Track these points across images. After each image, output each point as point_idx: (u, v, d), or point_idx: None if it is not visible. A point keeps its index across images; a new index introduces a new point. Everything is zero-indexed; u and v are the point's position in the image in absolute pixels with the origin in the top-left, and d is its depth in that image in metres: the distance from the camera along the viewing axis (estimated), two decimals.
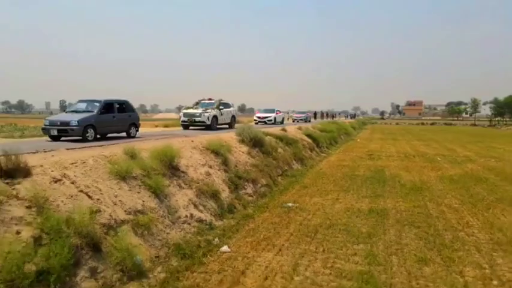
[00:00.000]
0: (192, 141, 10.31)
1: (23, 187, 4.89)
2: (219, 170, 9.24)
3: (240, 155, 11.10)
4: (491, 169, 15.14)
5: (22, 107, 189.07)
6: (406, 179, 12.74)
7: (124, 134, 12.48)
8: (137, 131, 13.24)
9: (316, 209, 8.75)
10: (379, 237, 6.78)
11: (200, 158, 9.13)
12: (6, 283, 3.54)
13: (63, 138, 10.75)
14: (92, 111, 11.24)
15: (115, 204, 5.68)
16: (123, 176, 6.37)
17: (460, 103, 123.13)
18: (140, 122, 13.88)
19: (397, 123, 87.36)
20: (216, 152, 9.83)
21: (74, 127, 10.45)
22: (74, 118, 10.63)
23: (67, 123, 10.53)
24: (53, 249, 4.07)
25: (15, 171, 5.12)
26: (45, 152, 7.65)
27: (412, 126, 71.04)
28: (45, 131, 10.98)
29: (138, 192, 6.34)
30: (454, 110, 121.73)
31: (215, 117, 17.77)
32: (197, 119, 17.21)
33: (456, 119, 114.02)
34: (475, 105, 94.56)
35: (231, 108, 20.32)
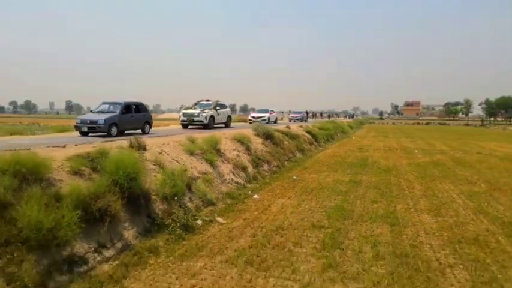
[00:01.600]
0: (224, 133, 14.18)
1: (147, 155, 8.76)
2: (244, 153, 13.11)
3: (257, 144, 14.97)
4: (454, 158, 19.00)
5: (29, 107, 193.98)
6: (382, 164, 16.59)
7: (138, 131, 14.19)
8: (150, 128, 15.19)
9: (313, 180, 12.61)
10: (352, 192, 10.64)
11: (231, 145, 13.00)
12: (163, 195, 7.42)
13: (90, 134, 12.54)
14: (115, 112, 13.01)
15: (192, 168, 9.56)
16: (191, 152, 10.25)
17: (457, 103, 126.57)
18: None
19: (393, 123, 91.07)
20: (241, 142, 13.71)
21: (101, 125, 12.25)
22: (101, 117, 12.41)
23: (95, 122, 12.31)
24: (175, 184, 7.93)
25: (139, 147, 8.99)
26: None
27: (407, 126, 74.86)
28: (77, 127, 12.70)
29: (201, 163, 10.21)
30: (450, 110, 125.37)
31: (212, 117, 19.42)
32: (195, 119, 18.77)
33: (453, 119, 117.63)
34: (468, 105, 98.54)
35: (227, 109, 22.39)
